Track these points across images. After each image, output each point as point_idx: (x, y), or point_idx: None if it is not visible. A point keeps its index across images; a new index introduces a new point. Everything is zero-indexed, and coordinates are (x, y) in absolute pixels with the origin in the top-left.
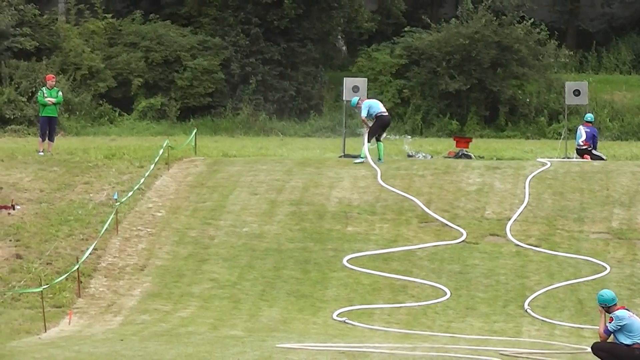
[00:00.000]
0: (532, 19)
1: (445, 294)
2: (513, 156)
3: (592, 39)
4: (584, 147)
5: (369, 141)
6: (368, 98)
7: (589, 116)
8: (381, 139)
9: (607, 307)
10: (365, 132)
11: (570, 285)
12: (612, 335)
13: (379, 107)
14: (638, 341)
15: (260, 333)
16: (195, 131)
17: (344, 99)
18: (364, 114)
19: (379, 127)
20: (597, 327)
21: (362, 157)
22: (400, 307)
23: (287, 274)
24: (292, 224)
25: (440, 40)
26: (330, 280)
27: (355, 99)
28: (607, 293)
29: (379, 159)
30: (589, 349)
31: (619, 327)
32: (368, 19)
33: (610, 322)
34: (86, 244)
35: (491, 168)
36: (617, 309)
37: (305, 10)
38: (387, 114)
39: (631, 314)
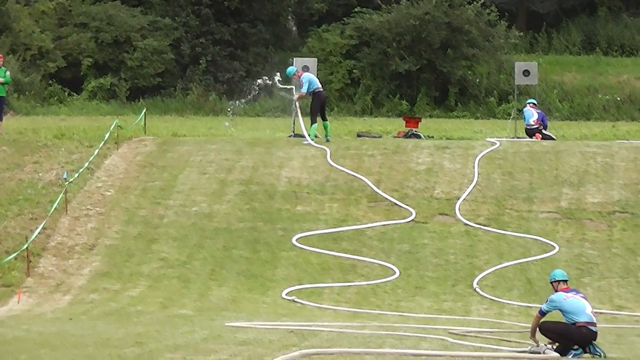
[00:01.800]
0: (483, 1)
1: (395, 273)
2: (462, 136)
3: (543, 20)
4: (535, 127)
5: (314, 122)
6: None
7: (533, 100)
8: (325, 116)
9: (556, 283)
10: (296, 108)
11: (519, 264)
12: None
13: (317, 82)
14: (580, 320)
15: (209, 312)
16: (144, 111)
17: (289, 75)
18: (304, 89)
19: (318, 105)
20: None
21: (310, 138)
22: (349, 286)
23: (236, 253)
24: (242, 203)
25: (391, 21)
26: (279, 260)
27: (292, 69)
28: (559, 270)
29: (327, 138)
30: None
31: (551, 309)
32: (318, 0)
33: (544, 303)
34: (35, 223)
35: (440, 148)
36: (562, 290)
37: None
38: (323, 90)
39: (571, 294)
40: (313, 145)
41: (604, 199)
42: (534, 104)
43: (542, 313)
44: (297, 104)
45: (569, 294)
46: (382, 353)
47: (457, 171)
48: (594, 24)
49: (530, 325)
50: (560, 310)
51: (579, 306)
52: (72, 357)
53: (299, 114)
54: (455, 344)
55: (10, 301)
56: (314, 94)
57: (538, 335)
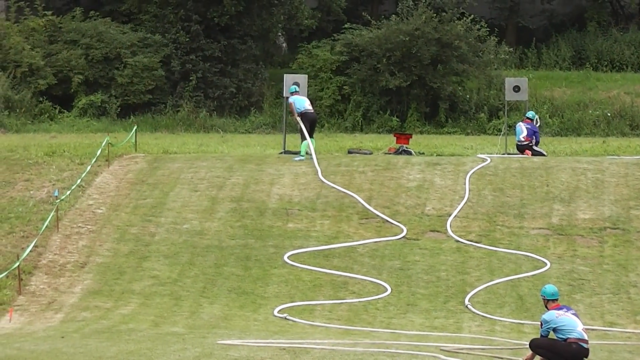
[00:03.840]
0: (472, 16)
1: (386, 290)
2: (453, 152)
3: (532, 35)
4: (525, 143)
5: (304, 138)
6: (299, 94)
7: (531, 113)
8: (312, 135)
9: (546, 301)
10: (300, 124)
11: (511, 281)
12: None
13: (304, 104)
14: (571, 336)
15: (201, 330)
16: (135, 128)
17: (284, 95)
18: (295, 110)
19: (307, 125)
20: (538, 324)
21: (302, 155)
22: (341, 303)
23: (228, 270)
24: (233, 220)
25: (381, 37)
26: (271, 277)
27: (293, 87)
28: (550, 287)
29: (301, 157)
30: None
31: (549, 330)
32: (308, 16)
33: (541, 328)
34: (27, 241)
35: (431, 164)
36: (552, 307)
37: (245, 7)
38: (312, 111)
39: (562, 312)
40: (311, 160)
41: (595, 215)
42: (528, 118)
43: (544, 337)
44: (298, 119)
45: (560, 312)
46: None
47: (448, 187)
48: (583, 39)
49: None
50: (550, 330)
51: (570, 323)
52: None
53: (303, 130)
54: None
55: (1, 319)
56: (302, 114)
57: (529, 351)
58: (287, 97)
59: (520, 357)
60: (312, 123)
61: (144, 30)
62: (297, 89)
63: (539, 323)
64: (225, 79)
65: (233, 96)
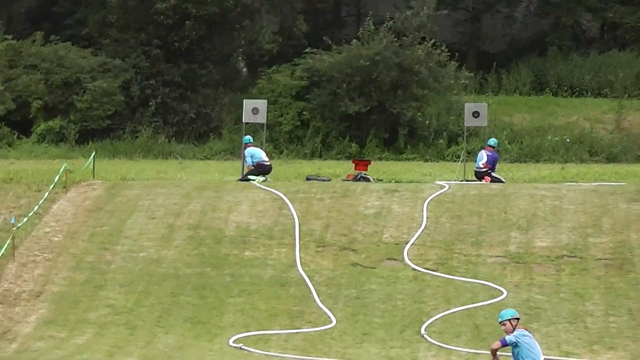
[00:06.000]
0: (433, 40)
1: (341, 319)
2: (412, 179)
3: (493, 60)
4: (484, 170)
5: (245, 178)
6: (254, 146)
7: (493, 141)
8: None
9: (508, 323)
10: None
11: (467, 310)
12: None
13: (260, 155)
14: None
15: None
16: (93, 154)
17: (243, 121)
18: (248, 162)
19: (258, 173)
20: None
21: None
22: (296, 332)
23: (184, 299)
24: (190, 248)
25: (341, 62)
26: (227, 306)
27: (247, 138)
28: (507, 310)
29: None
30: None
31: (515, 341)
32: (269, 41)
33: (510, 334)
34: None
35: (390, 191)
36: (521, 329)
37: (206, 32)
38: (268, 162)
39: (531, 336)
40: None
41: (552, 242)
42: (490, 146)
43: (504, 344)
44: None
45: (529, 335)
46: None
47: (406, 215)
48: (544, 64)
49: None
50: (517, 346)
51: (537, 350)
52: None
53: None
54: None
55: None
56: (258, 165)
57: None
58: (244, 146)
59: None
60: (266, 173)
61: (105, 54)
62: (252, 140)
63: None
64: (184, 104)
65: (192, 122)
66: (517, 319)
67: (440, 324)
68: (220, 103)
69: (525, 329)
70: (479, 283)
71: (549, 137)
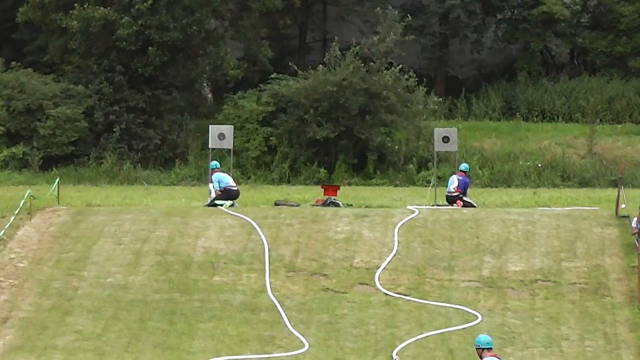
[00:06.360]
0: (401, 66)
1: (313, 344)
2: (382, 204)
3: (462, 85)
4: (455, 194)
5: (212, 204)
6: (220, 171)
7: (464, 166)
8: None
9: (480, 351)
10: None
11: (441, 334)
12: None
13: (227, 180)
14: None
15: None
16: (58, 180)
17: (210, 147)
18: (215, 187)
19: (225, 198)
20: None
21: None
22: (268, 357)
23: (152, 325)
24: (158, 274)
25: (308, 88)
26: (196, 332)
27: (214, 163)
28: (483, 337)
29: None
30: None
31: None
32: (234, 66)
33: None
34: None
35: (360, 216)
36: (488, 356)
37: (170, 58)
38: (235, 187)
39: None
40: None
41: (526, 267)
42: (462, 171)
43: None
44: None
45: None
46: None
47: (377, 240)
48: (513, 89)
49: None
50: None
51: None
52: None
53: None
54: None
55: None
56: (225, 190)
57: None
58: (211, 172)
59: None
60: (233, 198)
61: (67, 81)
62: (219, 165)
63: None
64: (149, 130)
65: (157, 148)
66: (483, 349)
67: (414, 348)
68: (185, 129)
69: (494, 356)
70: (452, 307)
71: (521, 162)
